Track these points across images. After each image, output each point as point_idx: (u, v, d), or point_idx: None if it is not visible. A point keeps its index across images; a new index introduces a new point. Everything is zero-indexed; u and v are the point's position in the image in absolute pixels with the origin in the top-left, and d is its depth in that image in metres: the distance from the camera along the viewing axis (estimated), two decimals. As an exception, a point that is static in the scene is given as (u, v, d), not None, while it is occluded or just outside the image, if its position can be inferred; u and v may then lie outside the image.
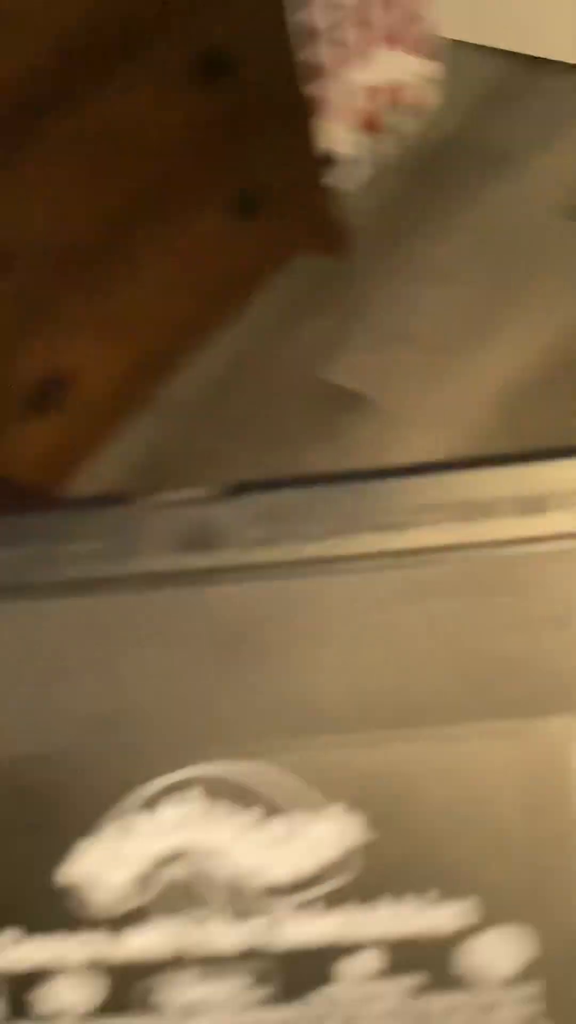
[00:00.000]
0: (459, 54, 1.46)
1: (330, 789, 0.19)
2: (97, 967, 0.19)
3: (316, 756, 0.19)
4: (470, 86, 1.46)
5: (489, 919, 0.19)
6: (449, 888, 0.19)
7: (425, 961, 0.19)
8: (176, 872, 0.20)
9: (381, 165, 1.38)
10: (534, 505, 0.19)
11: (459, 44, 1.46)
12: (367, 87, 1.36)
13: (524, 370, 1.14)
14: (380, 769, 0.19)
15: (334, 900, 0.19)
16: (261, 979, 0.19)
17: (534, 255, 1.27)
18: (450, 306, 1.20)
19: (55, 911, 0.19)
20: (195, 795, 0.20)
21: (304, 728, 0.20)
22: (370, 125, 1.37)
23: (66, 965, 0.19)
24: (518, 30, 1.45)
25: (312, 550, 0.20)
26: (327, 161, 1.23)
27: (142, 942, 0.19)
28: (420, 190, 1.36)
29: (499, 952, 0.19)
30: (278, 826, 0.19)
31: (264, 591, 0.20)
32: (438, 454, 0.96)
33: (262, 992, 0.19)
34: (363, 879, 0.19)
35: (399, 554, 0.20)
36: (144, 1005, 0.19)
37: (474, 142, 1.41)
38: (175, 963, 0.19)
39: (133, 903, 0.19)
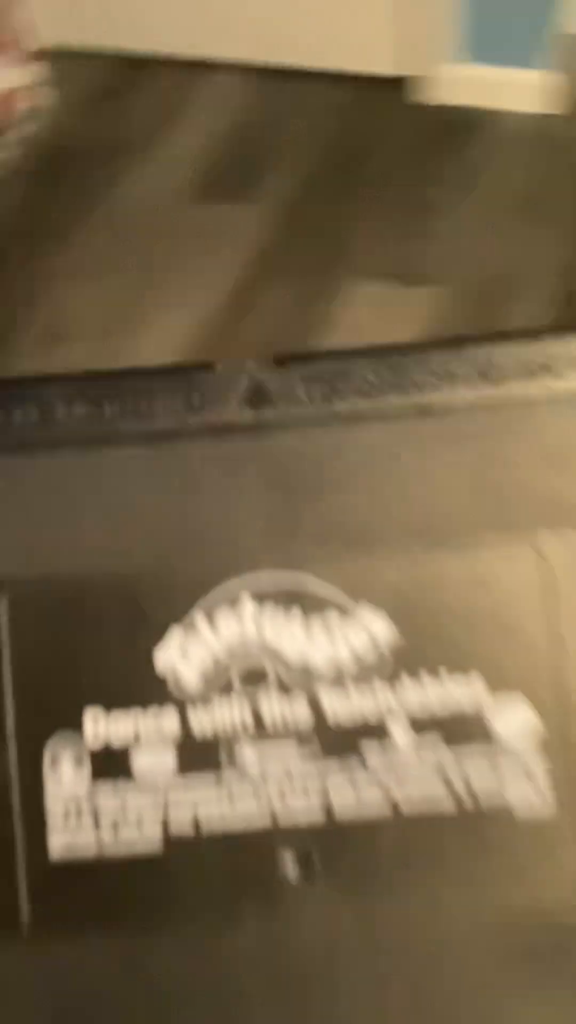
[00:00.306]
0: (66, 58, 1.56)
1: (361, 593, 0.24)
2: (174, 737, 0.24)
3: (350, 567, 0.24)
4: (82, 87, 1.57)
5: (497, 692, 0.23)
6: (463, 668, 0.24)
7: (447, 730, 0.23)
8: (235, 661, 0.24)
9: (8, 171, 1.44)
10: (535, 371, 0.24)
11: (65, 49, 1.56)
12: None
13: (177, 349, 1.20)
14: (405, 576, 0.24)
15: (365, 683, 0.24)
16: (305, 743, 0.24)
17: (169, 239, 1.36)
18: (100, 300, 1.26)
19: (141, 692, 0.24)
20: (248, 599, 0.24)
21: (341, 545, 0.24)
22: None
23: (149, 735, 0.24)
24: (120, 31, 1.57)
25: (348, 406, 0.25)
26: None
27: (215, 716, 0.24)
28: (53, 192, 1.44)
29: (508, 720, 0.23)
30: (317, 623, 0.24)
31: (310, 439, 0.25)
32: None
33: (310, 761, 0.24)
34: (389, 665, 0.24)
35: (422, 409, 0.25)
36: (216, 770, 0.24)
37: (97, 140, 1.51)
38: (237, 731, 0.24)
39: (207, 687, 0.24)
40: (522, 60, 1.52)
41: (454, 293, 1.27)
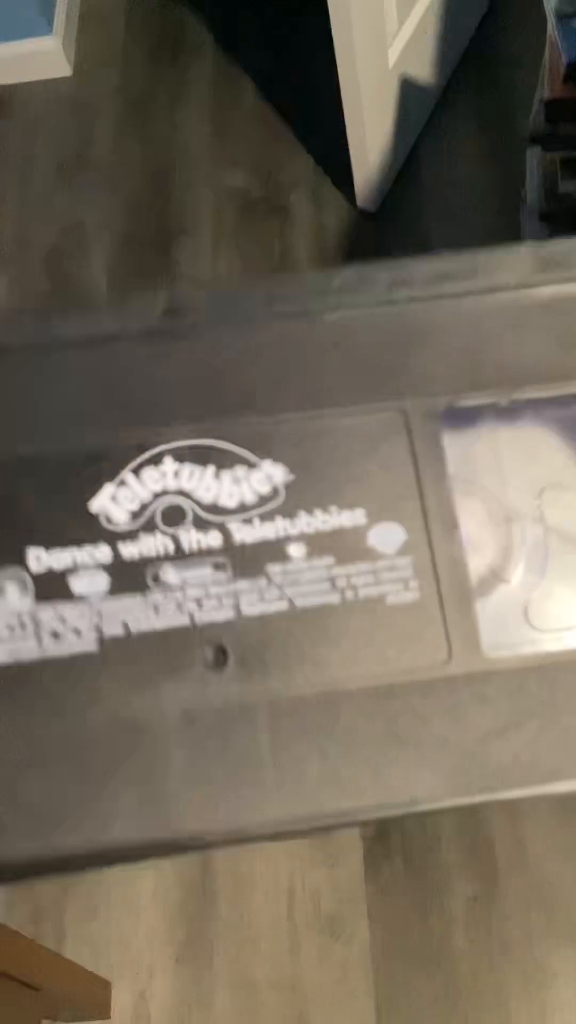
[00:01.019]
0: None
1: (265, 451, 0.29)
2: (107, 564, 0.28)
3: (254, 432, 0.30)
4: None
5: (374, 519, 0.29)
6: (347, 503, 0.29)
7: (334, 548, 0.28)
8: (161, 505, 0.29)
9: None
10: (395, 285, 0.31)
11: None
12: None
13: None
14: (298, 434, 0.29)
15: (267, 516, 0.29)
16: (219, 567, 0.28)
17: None
18: None
19: (77, 533, 0.28)
20: (171, 460, 0.29)
21: (246, 416, 0.30)
22: None
23: (85, 563, 0.28)
24: None
25: (246, 317, 0.31)
26: None
27: (141, 546, 0.28)
28: None
29: (383, 539, 0.28)
30: (228, 476, 0.29)
31: (217, 338, 0.31)
32: None
33: (222, 575, 0.28)
34: (287, 503, 0.29)
35: (302, 313, 0.31)
36: (142, 587, 0.28)
37: None
38: (163, 559, 0.28)
39: (134, 524, 0.28)
40: (33, 30, 1.58)
41: (20, 273, 1.34)
